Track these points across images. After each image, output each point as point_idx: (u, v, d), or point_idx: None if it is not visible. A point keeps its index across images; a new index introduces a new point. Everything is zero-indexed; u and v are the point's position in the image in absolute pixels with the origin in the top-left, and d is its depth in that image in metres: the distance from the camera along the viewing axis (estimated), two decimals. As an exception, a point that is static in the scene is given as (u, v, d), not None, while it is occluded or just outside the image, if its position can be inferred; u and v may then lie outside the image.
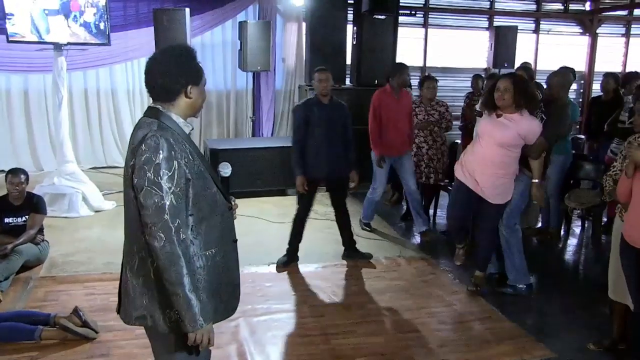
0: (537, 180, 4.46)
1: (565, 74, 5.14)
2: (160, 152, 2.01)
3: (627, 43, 11.53)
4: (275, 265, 5.22)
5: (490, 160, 4.39)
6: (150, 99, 2.20)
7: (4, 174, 5.06)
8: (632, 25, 11.45)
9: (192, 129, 2.24)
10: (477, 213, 4.68)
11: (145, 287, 2.15)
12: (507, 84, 4.27)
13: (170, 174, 2.01)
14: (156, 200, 1.99)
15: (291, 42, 9.09)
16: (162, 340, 2.23)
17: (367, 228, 6.36)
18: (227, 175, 2.40)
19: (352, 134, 5.21)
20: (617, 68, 11.07)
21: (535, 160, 4.43)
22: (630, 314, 3.56)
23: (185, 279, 2.02)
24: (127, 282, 2.21)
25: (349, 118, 5.18)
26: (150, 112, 2.17)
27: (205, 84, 2.24)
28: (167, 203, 2.00)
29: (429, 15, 10.20)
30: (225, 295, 2.29)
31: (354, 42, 8.13)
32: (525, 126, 4.28)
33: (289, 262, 5.22)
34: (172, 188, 2.02)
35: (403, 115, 5.99)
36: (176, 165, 2.03)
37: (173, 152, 2.04)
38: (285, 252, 5.26)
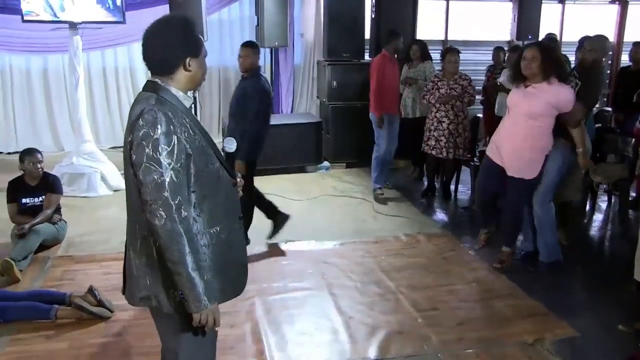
0: (581, 149, 4.34)
1: (600, 39, 4.92)
2: (159, 126, 1.94)
3: (658, 11, 11.13)
4: (289, 242, 5.18)
5: (517, 132, 4.30)
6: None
7: (18, 156, 5.06)
8: (664, -8, 11.04)
9: (193, 102, 2.17)
10: (504, 187, 4.57)
11: (148, 267, 2.10)
12: (534, 52, 4.16)
13: (169, 149, 1.94)
14: (155, 176, 1.92)
15: (309, 17, 8.94)
16: (167, 321, 2.18)
17: (382, 194, 6.33)
18: (231, 150, 2.31)
19: (248, 116, 4.78)
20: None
21: (575, 128, 4.30)
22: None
23: (187, 258, 1.96)
24: (130, 262, 2.16)
25: (245, 100, 4.79)
26: (148, 86, 2.09)
27: (205, 55, 2.16)
28: (167, 179, 1.93)
29: (451, -13, 9.96)
30: (232, 274, 2.23)
31: (373, 16, 7.96)
32: (554, 94, 4.16)
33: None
34: (172, 164, 1.94)
35: (397, 78, 6.69)
36: (175, 140, 1.96)
37: (172, 127, 1.96)
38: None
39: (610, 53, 10.78)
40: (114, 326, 3.73)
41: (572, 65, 5.10)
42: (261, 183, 6.69)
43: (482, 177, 4.74)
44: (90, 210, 6.02)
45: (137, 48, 8.33)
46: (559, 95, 4.17)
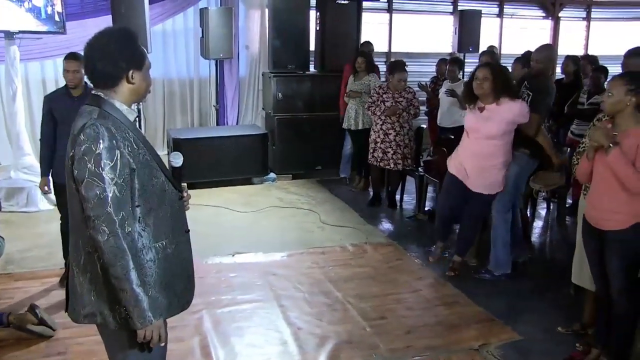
0: (552, 152, 4.50)
1: (551, 49, 5.12)
2: (101, 141, 1.91)
3: (587, 27, 11.64)
4: (236, 254, 5.12)
5: (478, 152, 4.44)
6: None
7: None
8: (592, 9, 11.55)
9: (137, 115, 2.15)
10: (466, 202, 4.67)
11: (92, 284, 2.06)
12: (486, 73, 4.32)
13: (112, 164, 1.92)
14: (98, 192, 1.90)
15: (254, 29, 8.93)
16: (114, 337, 2.14)
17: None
18: (178, 165, 2.30)
19: None
20: (579, 51, 11.14)
21: (537, 136, 4.45)
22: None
23: (131, 274, 1.93)
24: (73, 278, 2.12)
25: None
26: (91, 100, 2.06)
27: (149, 67, 2.14)
28: (110, 195, 1.90)
29: (393, 0, 10.13)
30: (179, 288, 2.21)
31: (317, 28, 8.02)
32: (508, 112, 4.32)
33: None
34: (115, 179, 1.92)
35: None
36: (118, 154, 1.94)
37: (115, 141, 1.94)
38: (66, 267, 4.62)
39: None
40: (56, 345, 3.62)
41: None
42: (207, 195, 6.68)
43: (444, 193, 4.82)
44: (31, 225, 5.82)
45: (78, 59, 8.15)
46: (512, 111, 4.32)
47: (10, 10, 6.06)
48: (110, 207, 1.90)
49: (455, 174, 4.62)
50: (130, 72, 2.05)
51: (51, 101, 4.32)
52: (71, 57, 4.25)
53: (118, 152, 1.94)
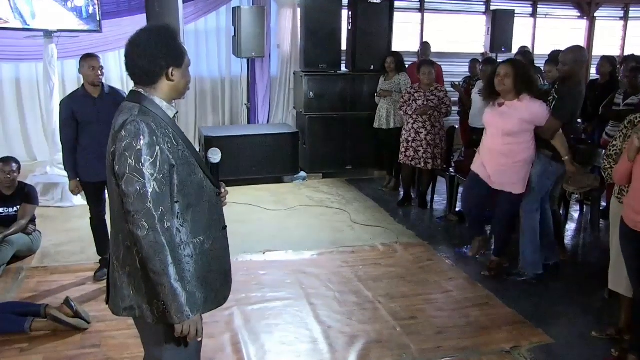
0: (566, 157, 4.39)
1: (578, 50, 4.93)
2: (142, 137, 1.94)
3: (625, 26, 11.42)
4: (267, 252, 5.17)
5: (497, 149, 4.41)
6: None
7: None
8: (630, 8, 11.32)
9: (177, 112, 2.17)
10: (492, 200, 4.65)
11: (131, 277, 2.09)
12: (508, 69, 4.28)
13: (152, 160, 1.94)
14: (138, 187, 1.92)
15: (286, 28, 8.97)
16: (151, 331, 2.18)
17: None
18: (216, 162, 2.31)
19: None
20: (615, 52, 10.97)
21: (552, 139, 4.37)
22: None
23: (170, 269, 1.95)
24: (114, 272, 2.15)
25: None
26: (132, 97, 2.09)
27: (189, 65, 2.16)
28: (150, 190, 1.93)
29: (425, 0, 10.08)
30: (216, 284, 2.23)
31: (349, 28, 8.02)
32: (526, 111, 4.27)
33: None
34: (155, 174, 1.94)
35: None
36: (158, 150, 1.96)
37: (155, 138, 1.96)
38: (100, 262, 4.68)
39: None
40: (90, 337, 3.69)
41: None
42: (238, 193, 6.72)
43: (466, 192, 4.81)
44: (65, 220, 5.94)
45: (113, 57, 8.28)
46: (531, 111, 4.28)
47: (54, 9, 6.20)
48: (150, 202, 1.93)
49: (477, 171, 4.60)
50: (170, 69, 2.07)
51: (73, 104, 4.34)
52: (93, 55, 4.35)
53: (158, 148, 1.96)
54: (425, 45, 8.48)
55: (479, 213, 4.89)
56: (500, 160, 4.41)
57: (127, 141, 1.94)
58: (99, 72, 4.30)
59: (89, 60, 4.29)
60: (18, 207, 4.88)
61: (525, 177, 4.46)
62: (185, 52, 2.14)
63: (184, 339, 2.08)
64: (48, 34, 6.30)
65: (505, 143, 4.36)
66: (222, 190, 2.28)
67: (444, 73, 7.98)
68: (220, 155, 2.31)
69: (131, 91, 2.12)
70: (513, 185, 4.46)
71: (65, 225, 5.80)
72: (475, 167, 4.66)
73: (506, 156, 4.39)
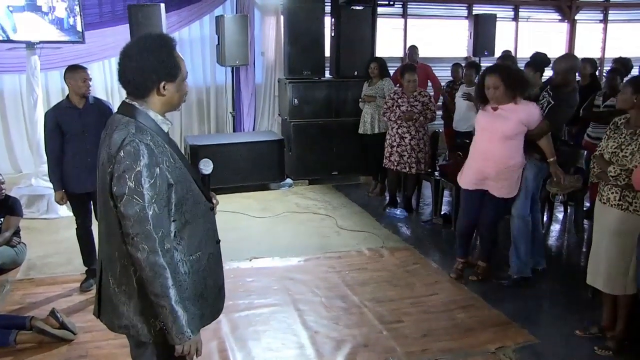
0: (552, 159, 4.44)
1: (571, 58, 4.97)
2: (141, 158, 1.89)
3: (605, 29, 11.57)
4: (253, 259, 5.17)
5: (496, 153, 4.40)
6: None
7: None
8: (609, 11, 11.48)
9: (171, 125, 2.12)
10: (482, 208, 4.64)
11: (127, 296, 2.06)
12: (496, 80, 4.28)
13: (152, 182, 1.90)
14: (138, 209, 1.88)
15: (270, 36, 9.01)
16: (145, 348, 2.17)
17: None
18: (208, 173, 2.27)
19: None
20: (596, 54, 11.10)
21: (539, 140, 4.42)
22: (620, 302, 3.60)
23: (171, 291, 1.92)
24: (108, 288, 2.11)
25: None
26: (125, 110, 2.03)
27: (185, 77, 2.08)
28: (150, 212, 1.89)
29: (408, 5, 10.15)
30: (210, 298, 2.22)
31: (332, 34, 8.07)
32: (523, 112, 4.31)
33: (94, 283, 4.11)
34: (155, 196, 1.90)
35: None
36: (158, 171, 1.92)
37: (154, 158, 1.92)
38: (86, 273, 4.65)
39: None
40: (77, 348, 3.68)
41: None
42: (225, 201, 6.71)
43: (463, 212, 4.78)
44: (51, 232, 5.91)
45: (98, 67, 8.24)
46: (528, 112, 4.32)
47: (35, 21, 6.20)
48: (150, 224, 1.89)
49: (469, 187, 4.60)
50: (162, 83, 2.00)
51: (58, 115, 4.33)
52: (83, 67, 4.36)
53: (157, 168, 1.92)
54: (412, 49, 8.55)
55: (471, 231, 4.90)
56: (498, 165, 4.40)
57: (127, 162, 1.89)
58: (89, 83, 4.32)
59: (80, 72, 4.30)
60: (2, 219, 4.86)
61: (517, 180, 4.49)
62: (181, 65, 2.06)
63: (181, 357, 2.05)
64: (30, 45, 6.29)
65: (503, 146, 4.36)
66: (214, 202, 2.26)
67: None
68: (212, 166, 2.27)
69: (124, 103, 2.06)
70: (510, 189, 4.48)
71: (51, 236, 5.77)
72: (465, 182, 4.62)
73: (503, 159, 4.39)
